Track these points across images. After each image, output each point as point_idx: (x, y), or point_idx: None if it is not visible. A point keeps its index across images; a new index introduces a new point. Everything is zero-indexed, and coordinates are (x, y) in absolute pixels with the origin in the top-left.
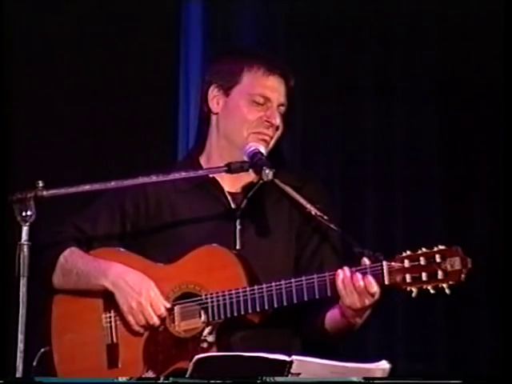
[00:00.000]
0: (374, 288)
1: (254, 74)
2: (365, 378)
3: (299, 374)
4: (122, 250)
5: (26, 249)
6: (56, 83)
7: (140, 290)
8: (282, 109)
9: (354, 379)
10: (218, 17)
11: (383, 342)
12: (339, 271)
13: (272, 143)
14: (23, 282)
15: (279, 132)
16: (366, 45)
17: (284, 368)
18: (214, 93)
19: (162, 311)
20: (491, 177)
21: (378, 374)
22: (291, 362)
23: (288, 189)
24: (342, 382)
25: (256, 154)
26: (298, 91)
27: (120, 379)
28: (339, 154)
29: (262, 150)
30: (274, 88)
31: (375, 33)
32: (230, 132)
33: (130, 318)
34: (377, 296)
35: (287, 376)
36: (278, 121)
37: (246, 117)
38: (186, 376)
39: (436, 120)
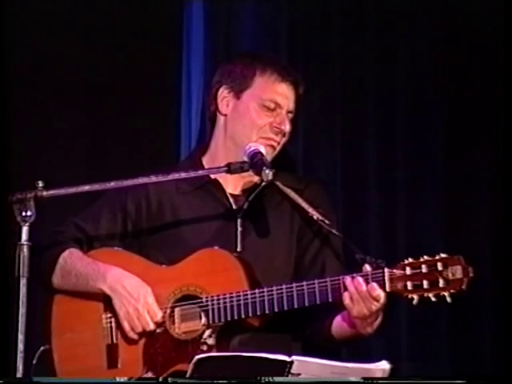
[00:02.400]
0: (377, 291)
1: (267, 79)
2: (365, 378)
3: (299, 374)
4: (122, 250)
5: (25, 249)
6: (56, 83)
7: (138, 295)
8: (291, 116)
9: (355, 379)
10: (219, 16)
11: (385, 343)
12: (344, 293)
13: (278, 149)
14: (23, 282)
15: (286, 138)
16: (368, 45)
17: (284, 368)
18: (224, 94)
19: (159, 318)
20: (495, 183)
21: (379, 374)
22: (291, 363)
23: (289, 191)
24: (342, 381)
25: (256, 154)
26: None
27: (119, 379)
28: (341, 157)
29: (262, 150)
30: (284, 95)
31: (378, 33)
32: (238, 135)
33: (126, 324)
34: (382, 300)
35: (287, 376)
36: (287, 127)
37: (256, 121)
38: (187, 376)
39: (439, 122)
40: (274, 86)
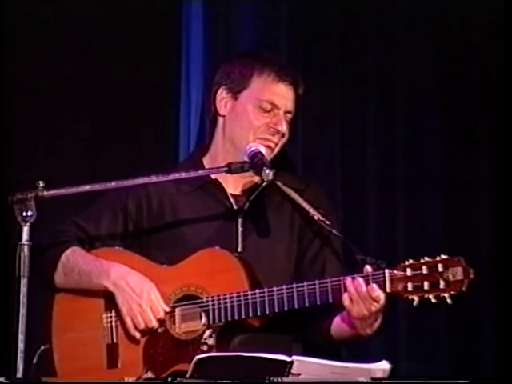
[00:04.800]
0: (376, 292)
1: (264, 80)
2: (366, 378)
3: (299, 374)
4: (123, 250)
5: (26, 249)
6: (56, 83)
7: (141, 292)
8: (289, 116)
9: (356, 379)
10: (218, 16)
11: (384, 343)
12: (344, 294)
13: (277, 150)
14: (23, 282)
15: (285, 139)
16: (367, 45)
17: (284, 368)
18: (222, 95)
19: (162, 315)
20: (495, 183)
21: (379, 374)
22: (291, 363)
23: (290, 191)
24: (342, 382)
25: (256, 154)
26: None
27: (127, 379)
28: (340, 157)
29: (263, 150)
30: (282, 95)
31: (377, 33)
32: (235, 136)
33: (129, 320)
34: (382, 301)
35: (287, 376)
36: (284, 128)
37: (253, 122)
38: (187, 376)
39: (438, 123)
40: (272, 86)
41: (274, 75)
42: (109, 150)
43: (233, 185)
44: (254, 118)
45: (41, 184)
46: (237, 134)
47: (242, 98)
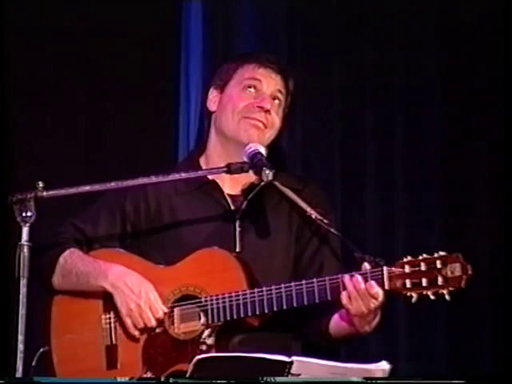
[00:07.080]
0: (375, 289)
1: (247, 67)
2: (365, 379)
3: (299, 374)
4: (122, 251)
5: (26, 249)
6: (56, 83)
7: (139, 292)
8: (277, 102)
9: (355, 379)
10: (218, 16)
11: (383, 343)
12: (342, 292)
13: (268, 135)
14: (23, 283)
15: (276, 124)
16: (366, 45)
17: (284, 368)
18: (213, 94)
19: (161, 314)
20: (494, 181)
21: (378, 375)
22: (291, 363)
23: (288, 191)
24: (343, 382)
25: (256, 154)
26: (297, 91)
27: (119, 379)
28: (339, 156)
29: (262, 150)
30: (265, 78)
31: (377, 32)
32: (223, 123)
33: (128, 321)
34: (380, 298)
35: (287, 376)
36: (268, 105)
37: (237, 104)
38: (186, 376)
39: (438, 122)
40: (254, 70)
41: (256, 62)
42: (108, 151)
43: (230, 185)
44: (238, 99)
45: (40, 184)
46: (224, 121)
47: (227, 89)
